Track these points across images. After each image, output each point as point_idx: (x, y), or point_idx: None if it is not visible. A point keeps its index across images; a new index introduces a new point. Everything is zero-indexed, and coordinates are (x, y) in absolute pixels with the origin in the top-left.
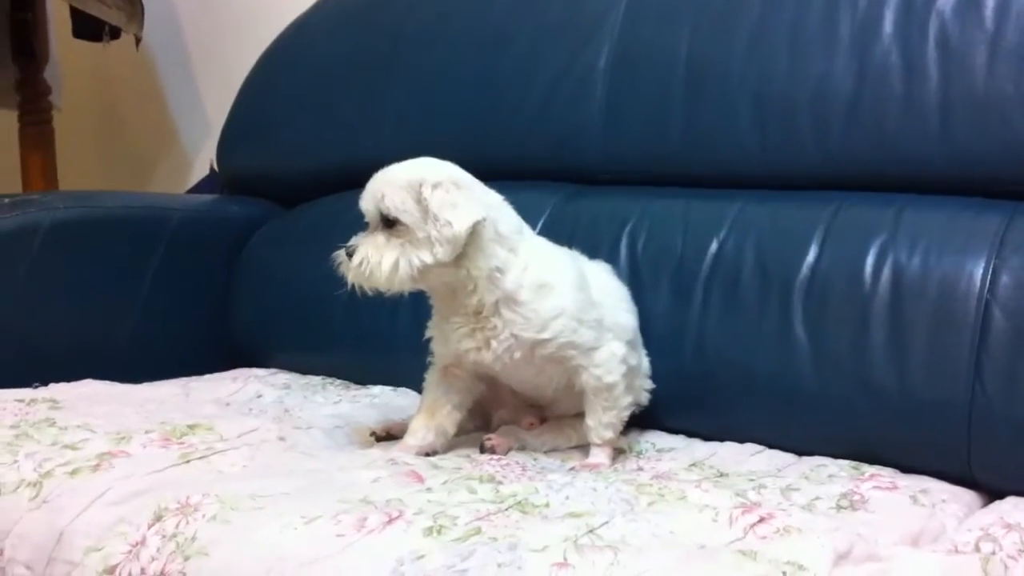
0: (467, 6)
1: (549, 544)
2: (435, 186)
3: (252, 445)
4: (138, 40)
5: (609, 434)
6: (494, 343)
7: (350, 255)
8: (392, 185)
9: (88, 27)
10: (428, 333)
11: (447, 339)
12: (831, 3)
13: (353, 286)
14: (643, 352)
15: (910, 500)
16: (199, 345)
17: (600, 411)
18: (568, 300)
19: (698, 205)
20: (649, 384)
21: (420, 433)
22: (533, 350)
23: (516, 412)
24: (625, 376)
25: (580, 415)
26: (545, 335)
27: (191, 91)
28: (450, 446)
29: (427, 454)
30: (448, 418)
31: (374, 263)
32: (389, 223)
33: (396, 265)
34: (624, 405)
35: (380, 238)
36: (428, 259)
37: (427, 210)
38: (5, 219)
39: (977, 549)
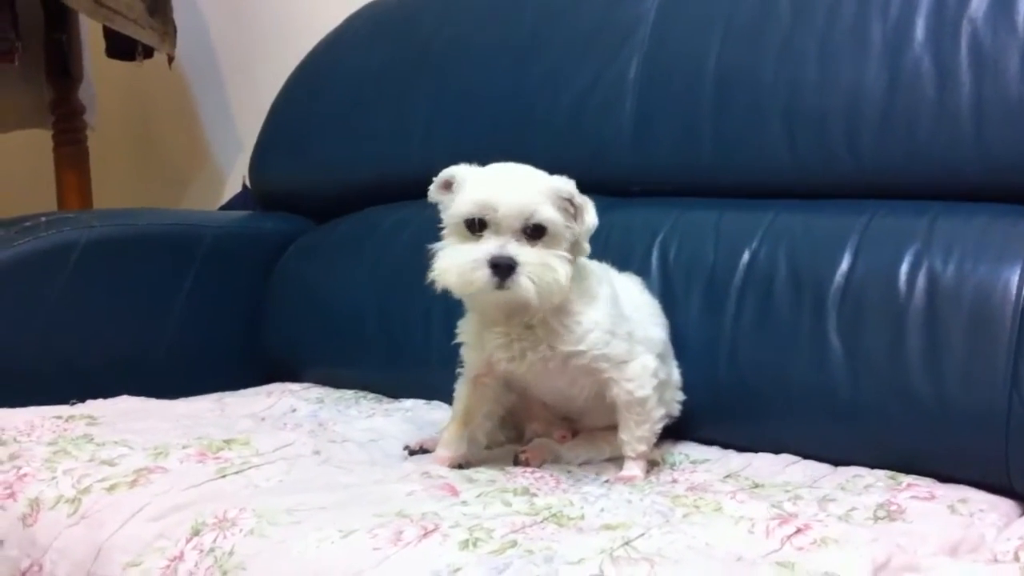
0: (497, 19)
1: (585, 556)
2: (572, 191)
3: (288, 459)
4: (171, 59)
5: (643, 447)
6: (530, 353)
7: (510, 268)
8: (546, 196)
9: (121, 47)
10: (460, 338)
11: (483, 346)
12: (861, 11)
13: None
14: (674, 364)
15: (948, 510)
16: (234, 360)
17: (633, 425)
18: (603, 313)
19: (730, 215)
20: (680, 396)
21: (453, 444)
22: (567, 361)
23: (548, 425)
24: (656, 389)
25: (613, 427)
26: (581, 347)
27: (223, 108)
28: (484, 459)
29: (460, 464)
30: (480, 428)
31: (557, 278)
32: (537, 234)
33: (567, 277)
34: (657, 418)
35: (532, 250)
36: (570, 268)
37: (573, 215)
38: (41, 238)
39: (1016, 559)
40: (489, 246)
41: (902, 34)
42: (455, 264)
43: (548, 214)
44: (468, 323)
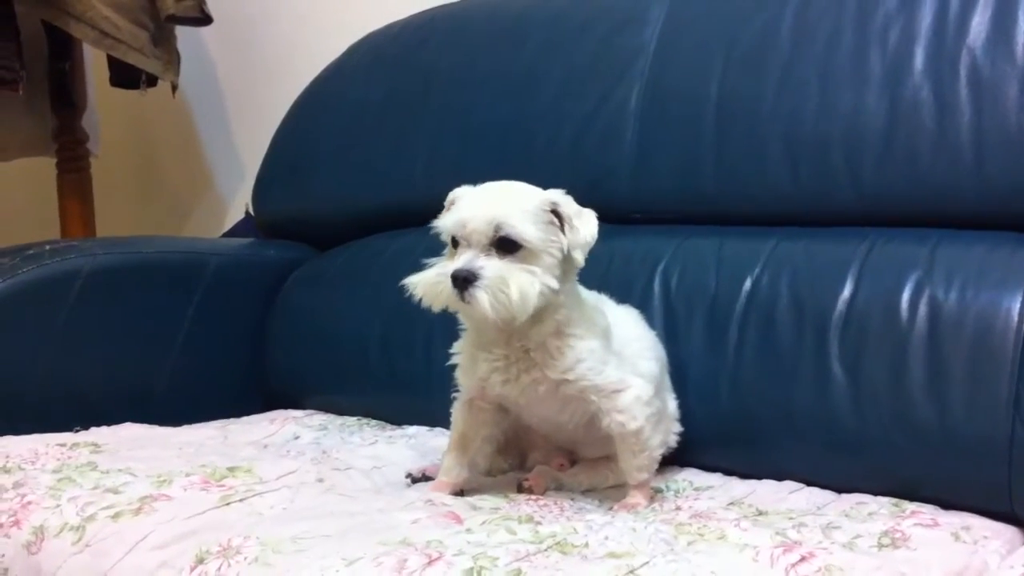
0: (498, 49)
1: None
2: (557, 201)
3: (291, 487)
4: (174, 88)
5: (644, 475)
6: (523, 376)
7: (468, 281)
8: (519, 209)
9: (125, 76)
10: (454, 360)
11: (476, 368)
12: (861, 40)
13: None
14: (671, 396)
15: (952, 537)
16: (237, 387)
17: (631, 455)
18: (597, 343)
19: (731, 243)
20: (677, 427)
21: (454, 470)
22: (557, 388)
23: (547, 454)
24: (650, 419)
25: (613, 455)
26: (568, 376)
27: (226, 136)
28: (487, 486)
29: (460, 491)
30: (479, 452)
31: (522, 291)
32: (509, 248)
33: (539, 293)
34: (655, 446)
35: (501, 263)
36: (554, 284)
37: (560, 228)
38: (45, 266)
39: None
40: (458, 261)
41: (902, 63)
42: (423, 279)
43: (518, 228)
44: (462, 344)
